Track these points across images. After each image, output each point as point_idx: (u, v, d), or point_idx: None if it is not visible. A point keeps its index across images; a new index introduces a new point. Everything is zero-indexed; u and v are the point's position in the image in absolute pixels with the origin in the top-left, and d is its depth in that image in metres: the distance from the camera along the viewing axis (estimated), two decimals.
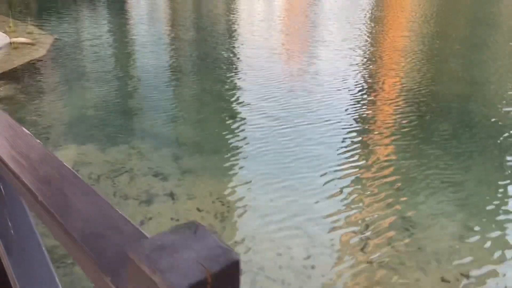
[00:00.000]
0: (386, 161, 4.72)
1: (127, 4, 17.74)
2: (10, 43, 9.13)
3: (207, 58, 8.72)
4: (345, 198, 4.02)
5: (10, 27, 10.93)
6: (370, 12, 16.47)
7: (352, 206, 3.90)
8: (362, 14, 15.82)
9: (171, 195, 3.99)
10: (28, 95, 6.44)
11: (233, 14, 15.20)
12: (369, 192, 4.11)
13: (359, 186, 4.21)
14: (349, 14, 15.39)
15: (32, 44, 9.26)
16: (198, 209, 3.81)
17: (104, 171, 4.34)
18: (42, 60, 8.26)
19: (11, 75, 7.28)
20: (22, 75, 7.37)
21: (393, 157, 4.81)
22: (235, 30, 11.79)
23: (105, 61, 8.59)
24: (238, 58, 8.71)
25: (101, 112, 6.17)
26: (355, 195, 4.06)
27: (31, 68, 7.80)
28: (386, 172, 4.49)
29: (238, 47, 9.69)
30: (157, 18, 14.46)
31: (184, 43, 10.19)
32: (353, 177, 4.38)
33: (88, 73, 7.62)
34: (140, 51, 9.27)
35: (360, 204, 3.93)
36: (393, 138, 5.29)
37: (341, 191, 4.13)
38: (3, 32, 9.97)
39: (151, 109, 6.29)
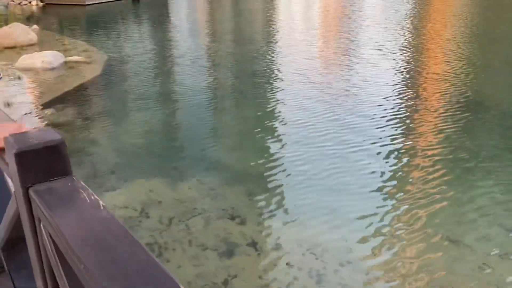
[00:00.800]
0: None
1: (171, 18, 17.59)
2: (65, 62, 8.99)
3: (262, 74, 8.23)
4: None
5: (64, 44, 10.90)
6: (414, 12, 15.51)
7: None
8: (406, 14, 14.95)
9: (254, 245, 3.47)
10: (86, 121, 6.14)
11: (275, 21, 14.59)
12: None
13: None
14: (392, 14, 14.51)
15: (87, 63, 9.08)
16: (288, 264, 3.27)
17: (175, 213, 3.88)
18: (97, 81, 8.02)
19: (69, 98, 7.05)
20: (79, 97, 7.13)
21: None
22: (282, 39, 11.21)
23: (160, 80, 8.27)
24: (296, 73, 8.15)
25: (163, 138, 5.78)
26: None
27: (88, 89, 7.56)
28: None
29: (292, 60, 9.14)
30: (200, 31, 14.13)
31: (236, 57, 9.76)
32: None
33: (144, 94, 7.29)
34: (191, 67, 8.90)
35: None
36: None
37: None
38: (58, 51, 9.89)
39: (215, 134, 5.84)
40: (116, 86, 7.76)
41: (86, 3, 20.19)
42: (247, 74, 8.40)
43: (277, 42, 11.59)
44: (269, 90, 7.40)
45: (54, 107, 6.54)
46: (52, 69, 8.50)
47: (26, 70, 8.37)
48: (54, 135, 0.91)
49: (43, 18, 16.54)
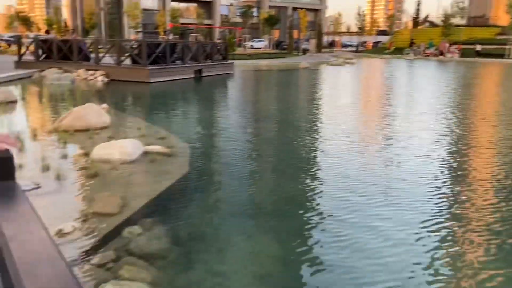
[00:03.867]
0: None
1: (235, 97, 16.46)
2: (145, 152, 7.62)
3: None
4: None
5: (139, 129, 9.69)
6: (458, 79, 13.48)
7: None
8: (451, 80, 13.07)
9: None
10: (184, 250, 4.49)
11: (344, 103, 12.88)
12: None
13: None
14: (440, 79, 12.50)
15: (168, 155, 7.68)
16: None
17: None
18: (187, 183, 6.50)
19: (156, 209, 5.50)
20: (170, 209, 5.56)
21: None
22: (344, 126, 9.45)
23: (258, 181, 6.68)
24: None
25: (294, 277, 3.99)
26: None
27: (178, 196, 6.00)
28: None
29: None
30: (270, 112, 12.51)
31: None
32: None
33: (247, 207, 5.67)
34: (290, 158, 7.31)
35: None
36: None
37: None
38: (134, 138, 8.61)
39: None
40: (212, 193, 6.19)
41: (151, 80, 19.76)
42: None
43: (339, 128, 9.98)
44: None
45: (140, 223, 4.95)
46: (131, 162, 7.10)
47: (102, 162, 7.01)
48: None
49: (110, 96, 15.88)
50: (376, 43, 74.14)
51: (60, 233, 4.47)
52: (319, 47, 60.13)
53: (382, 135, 10.25)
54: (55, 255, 0.83)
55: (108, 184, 6.16)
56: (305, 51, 55.23)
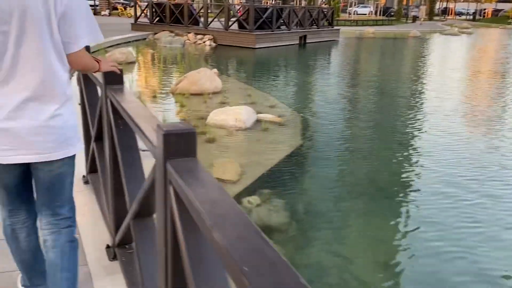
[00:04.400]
0: None
1: (338, 61, 15.74)
2: (257, 120, 7.63)
3: None
4: None
5: (249, 96, 9.74)
6: None
7: None
8: None
9: None
10: (306, 223, 4.39)
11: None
12: None
13: None
14: None
15: (281, 125, 7.60)
16: None
17: None
18: (303, 153, 6.39)
19: (274, 179, 5.47)
20: (288, 179, 5.50)
21: None
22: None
23: (375, 156, 6.33)
24: None
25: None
26: None
27: (296, 167, 5.92)
28: None
29: None
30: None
31: None
32: None
33: (370, 185, 5.40)
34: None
35: None
36: None
37: None
38: (245, 104, 8.67)
39: None
40: (328, 167, 6.00)
41: (257, 46, 19.76)
42: None
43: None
44: None
45: (259, 193, 4.96)
46: (245, 129, 7.15)
47: (218, 127, 7.14)
48: (189, 127, 1.25)
49: (218, 60, 16.19)
50: (497, 11, 66.66)
51: None
52: (431, 14, 55.67)
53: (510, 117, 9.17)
54: (241, 213, 0.97)
55: (225, 150, 6.26)
56: (414, 18, 51.53)
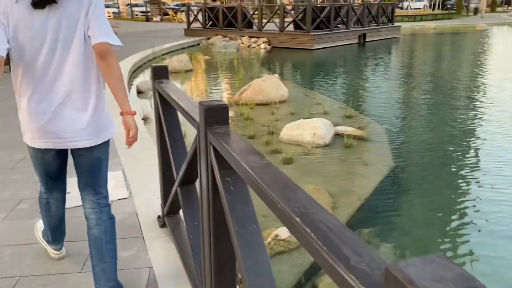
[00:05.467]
0: None
1: (406, 61, 14.18)
2: (336, 134, 6.69)
3: None
4: None
5: (318, 104, 8.80)
6: None
7: None
8: None
9: None
10: None
11: None
12: None
13: None
14: None
15: (363, 139, 6.62)
16: None
17: None
18: (401, 182, 5.36)
19: (373, 215, 4.51)
20: (392, 219, 4.52)
21: None
22: None
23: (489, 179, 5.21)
24: None
25: None
26: None
27: (396, 203, 4.92)
28: None
29: None
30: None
31: None
32: None
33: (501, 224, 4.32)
34: None
35: None
36: None
37: None
38: (317, 114, 7.75)
39: None
40: (438, 198, 4.95)
41: (314, 47, 18.77)
42: None
43: None
44: None
45: (357, 232, 4.03)
46: (324, 146, 6.24)
47: (293, 144, 6.28)
48: (223, 102, 1.62)
49: (277, 65, 15.35)
50: None
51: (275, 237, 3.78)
52: (493, 6, 52.13)
53: None
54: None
55: (307, 173, 5.37)
56: (476, 10, 48.37)
